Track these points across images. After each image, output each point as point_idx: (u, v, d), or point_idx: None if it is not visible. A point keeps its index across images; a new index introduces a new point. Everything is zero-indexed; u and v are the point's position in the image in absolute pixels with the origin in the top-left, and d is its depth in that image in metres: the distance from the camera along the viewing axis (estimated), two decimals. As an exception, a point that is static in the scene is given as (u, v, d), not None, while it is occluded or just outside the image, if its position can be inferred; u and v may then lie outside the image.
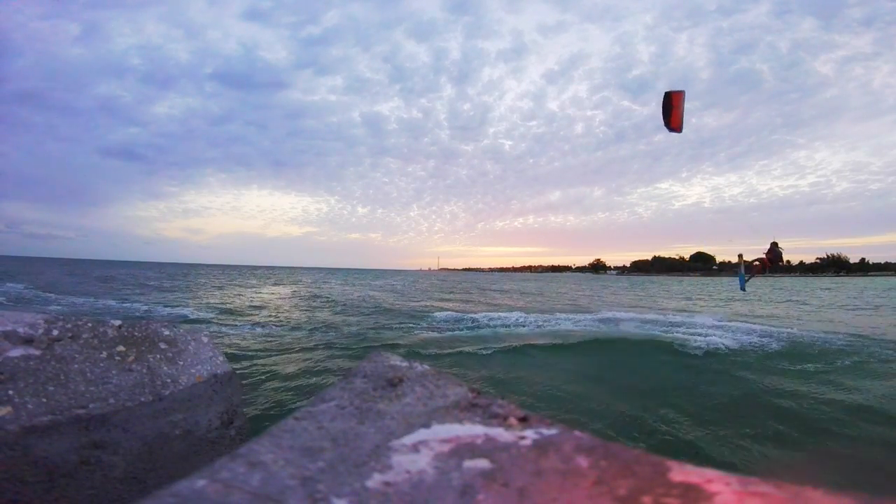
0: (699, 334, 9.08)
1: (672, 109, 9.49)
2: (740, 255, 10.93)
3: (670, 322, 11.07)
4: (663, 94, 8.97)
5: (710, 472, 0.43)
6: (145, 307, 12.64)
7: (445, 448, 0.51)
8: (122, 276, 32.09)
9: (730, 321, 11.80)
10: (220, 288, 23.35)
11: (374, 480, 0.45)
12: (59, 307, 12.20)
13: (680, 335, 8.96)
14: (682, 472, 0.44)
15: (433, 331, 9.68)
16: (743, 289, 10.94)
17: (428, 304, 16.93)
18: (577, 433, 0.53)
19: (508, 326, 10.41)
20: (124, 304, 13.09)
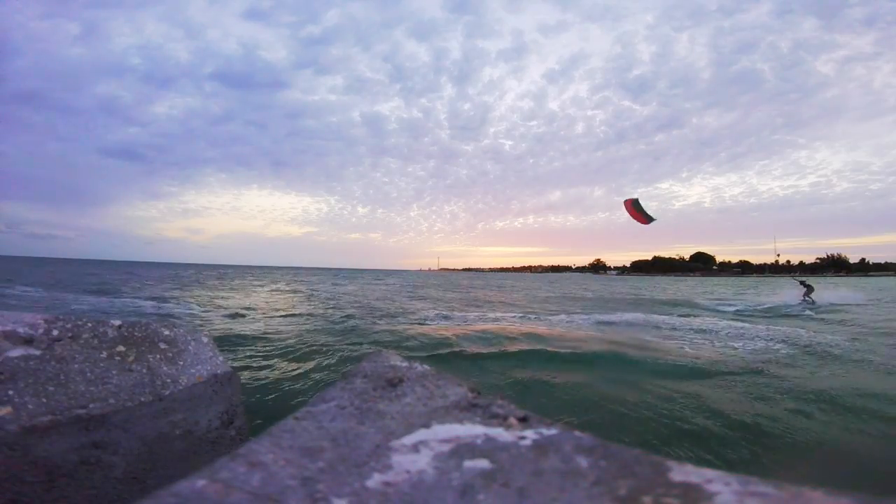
0: (703, 335, 9.08)
1: (633, 213, 12.05)
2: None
3: (673, 323, 11.08)
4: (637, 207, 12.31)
5: (710, 472, 0.43)
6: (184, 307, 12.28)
7: (445, 448, 0.51)
8: (138, 276, 31.96)
9: (735, 321, 11.81)
10: (228, 288, 23.36)
11: (374, 480, 0.45)
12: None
13: (682, 337, 8.96)
14: (682, 472, 0.43)
15: (433, 330, 9.68)
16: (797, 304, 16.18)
17: (429, 303, 16.94)
18: (577, 433, 0.53)
19: (508, 325, 10.42)
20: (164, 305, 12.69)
